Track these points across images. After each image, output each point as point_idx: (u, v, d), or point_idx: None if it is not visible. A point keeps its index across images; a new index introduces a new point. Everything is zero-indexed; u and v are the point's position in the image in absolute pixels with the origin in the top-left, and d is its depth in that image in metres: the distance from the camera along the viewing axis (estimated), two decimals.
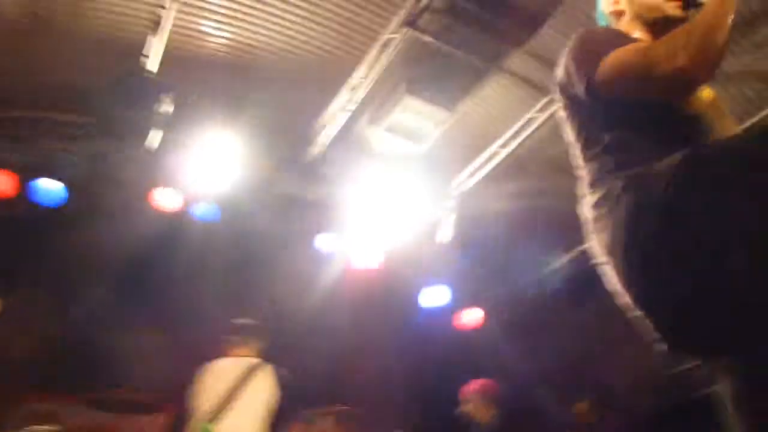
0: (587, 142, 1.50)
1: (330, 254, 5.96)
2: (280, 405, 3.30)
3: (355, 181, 5.72)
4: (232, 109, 5.15)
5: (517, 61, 5.20)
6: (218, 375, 3.34)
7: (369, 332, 6.02)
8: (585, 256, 6.14)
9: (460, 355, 6.25)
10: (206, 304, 5.39)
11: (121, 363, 5.08)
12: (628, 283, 1.30)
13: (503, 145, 5.67)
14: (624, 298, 1.32)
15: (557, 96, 1.59)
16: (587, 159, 1.49)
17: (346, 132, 5.59)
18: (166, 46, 4.68)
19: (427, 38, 4.56)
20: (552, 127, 5.87)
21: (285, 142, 5.75)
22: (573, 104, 1.52)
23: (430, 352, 6.38)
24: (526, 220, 6.20)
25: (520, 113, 5.62)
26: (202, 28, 5.21)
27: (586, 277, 6.30)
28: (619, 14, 1.63)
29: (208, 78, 5.24)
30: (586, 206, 1.45)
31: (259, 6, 5.09)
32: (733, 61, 4.70)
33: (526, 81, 5.27)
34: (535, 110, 5.37)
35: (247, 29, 5.28)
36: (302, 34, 5.38)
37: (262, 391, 3.29)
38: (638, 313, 1.29)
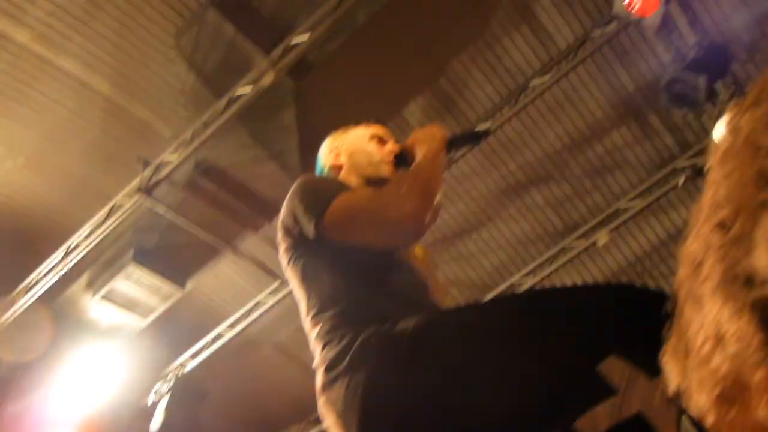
0: (313, 290, 1.46)
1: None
2: None
3: (59, 351, 5.02)
4: None
5: (251, 244, 5.29)
6: None
7: None
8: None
9: None
10: None
11: None
12: None
13: (231, 326, 5.53)
14: None
15: (280, 239, 1.55)
16: (314, 309, 1.44)
17: (56, 294, 4.98)
18: None
19: (161, 209, 4.45)
20: (282, 310, 5.93)
21: None
22: (298, 248, 1.50)
23: None
24: (244, 405, 5.95)
25: (251, 295, 5.62)
26: None
27: None
28: (338, 168, 1.73)
29: None
30: (318, 363, 1.37)
31: None
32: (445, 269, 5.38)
33: (259, 264, 5.35)
34: (266, 293, 5.41)
35: None
36: (21, 184, 4.90)
37: None
38: None
